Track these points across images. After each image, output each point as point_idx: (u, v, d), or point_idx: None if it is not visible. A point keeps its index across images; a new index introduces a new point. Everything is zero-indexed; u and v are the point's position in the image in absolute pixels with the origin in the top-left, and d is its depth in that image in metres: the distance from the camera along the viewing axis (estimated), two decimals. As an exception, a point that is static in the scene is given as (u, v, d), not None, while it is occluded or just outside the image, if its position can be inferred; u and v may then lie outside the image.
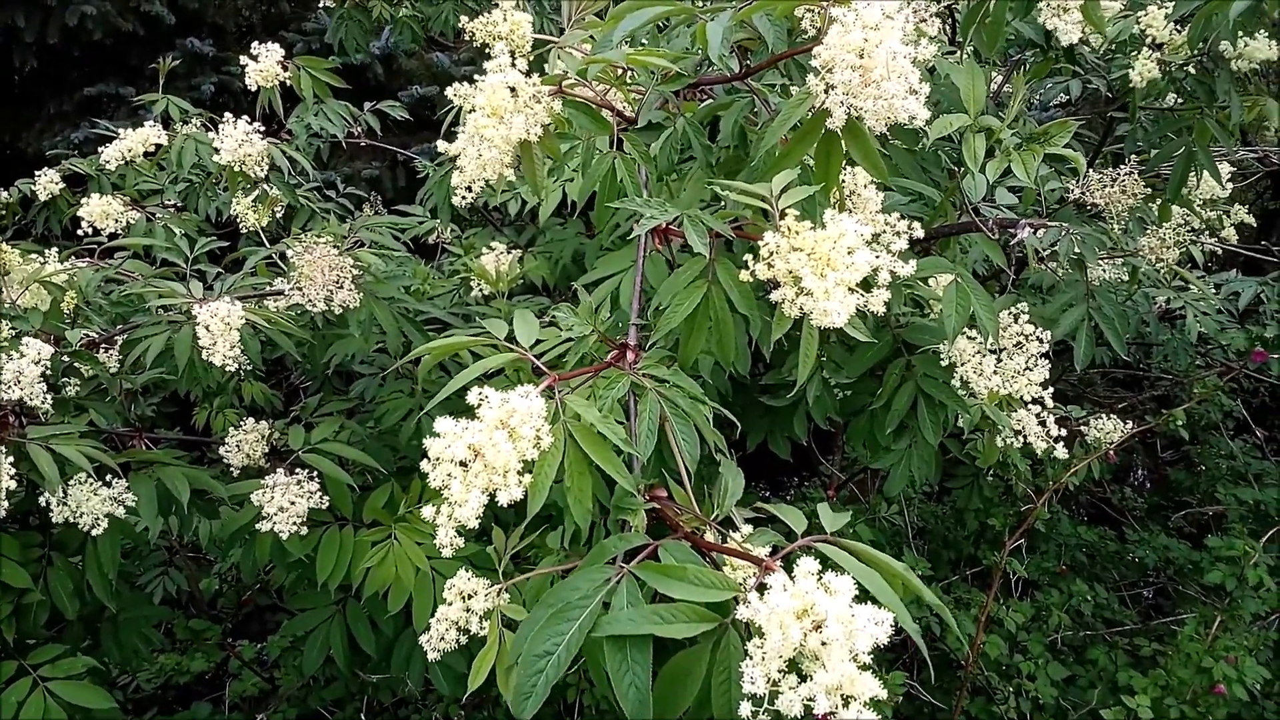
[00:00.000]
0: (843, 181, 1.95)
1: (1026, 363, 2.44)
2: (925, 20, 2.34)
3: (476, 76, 1.85)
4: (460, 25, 2.40)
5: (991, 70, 3.12)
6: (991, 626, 4.00)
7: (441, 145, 1.96)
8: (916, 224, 1.89)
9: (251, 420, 2.98)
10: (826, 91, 1.63)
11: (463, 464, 1.38)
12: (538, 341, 1.92)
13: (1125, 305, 3.25)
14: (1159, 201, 2.96)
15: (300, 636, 3.07)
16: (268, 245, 3.26)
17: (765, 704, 1.15)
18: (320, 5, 4.78)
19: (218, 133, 2.89)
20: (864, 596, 1.22)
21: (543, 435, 1.44)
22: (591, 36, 2.14)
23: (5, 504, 2.22)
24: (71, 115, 6.25)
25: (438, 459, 1.38)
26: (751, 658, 1.18)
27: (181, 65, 5.97)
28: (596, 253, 3.33)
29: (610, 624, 1.32)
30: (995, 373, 2.41)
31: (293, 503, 2.61)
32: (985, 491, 4.28)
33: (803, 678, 1.16)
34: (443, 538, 1.41)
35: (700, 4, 1.98)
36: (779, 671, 1.16)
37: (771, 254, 1.57)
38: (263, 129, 2.93)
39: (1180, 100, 2.92)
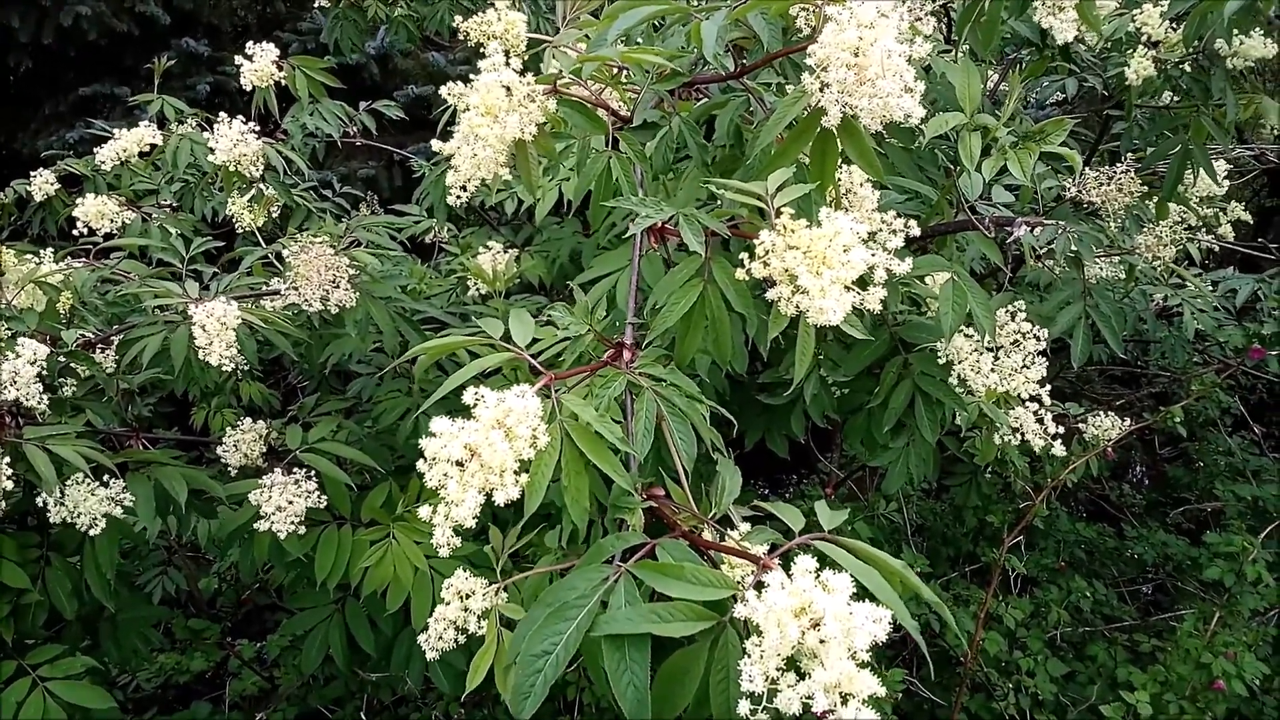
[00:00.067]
0: (839, 180, 1.95)
1: (1024, 360, 2.44)
2: (920, 19, 2.34)
3: (472, 76, 1.85)
4: (455, 25, 2.40)
5: (987, 69, 3.13)
6: (991, 623, 4.00)
7: (436, 144, 1.96)
8: (913, 222, 1.89)
9: (249, 420, 2.98)
10: (821, 90, 1.63)
11: (459, 464, 1.38)
12: (534, 341, 1.92)
13: (1122, 303, 3.26)
14: (1155, 199, 2.96)
15: (299, 635, 3.07)
16: (264, 245, 3.26)
17: (764, 702, 1.15)
18: (315, 5, 4.77)
19: (213, 133, 2.88)
20: (862, 594, 1.22)
21: (539, 434, 1.44)
22: (586, 36, 2.14)
23: (3, 504, 2.22)
24: (67, 116, 6.25)
25: (434, 459, 1.38)
26: (750, 656, 1.18)
27: (177, 65, 5.95)
28: (593, 252, 3.33)
29: (608, 623, 1.32)
30: (993, 370, 2.41)
31: (290, 502, 2.61)
32: (984, 489, 4.28)
33: (801, 676, 1.16)
34: (439, 537, 1.41)
35: (695, 3, 1.98)
36: (777, 670, 1.16)
37: (767, 252, 1.57)
38: (258, 129, 2.93)
39: (1176, 98, 2.93)
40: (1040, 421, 2.51)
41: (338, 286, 2.87)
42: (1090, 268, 2.96)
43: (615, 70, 2.12)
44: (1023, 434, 2.52)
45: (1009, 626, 4.01)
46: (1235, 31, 2.59)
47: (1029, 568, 4.48)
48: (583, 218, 3.89)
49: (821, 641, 1.15)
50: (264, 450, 2.96)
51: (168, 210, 3.53)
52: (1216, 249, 3.81)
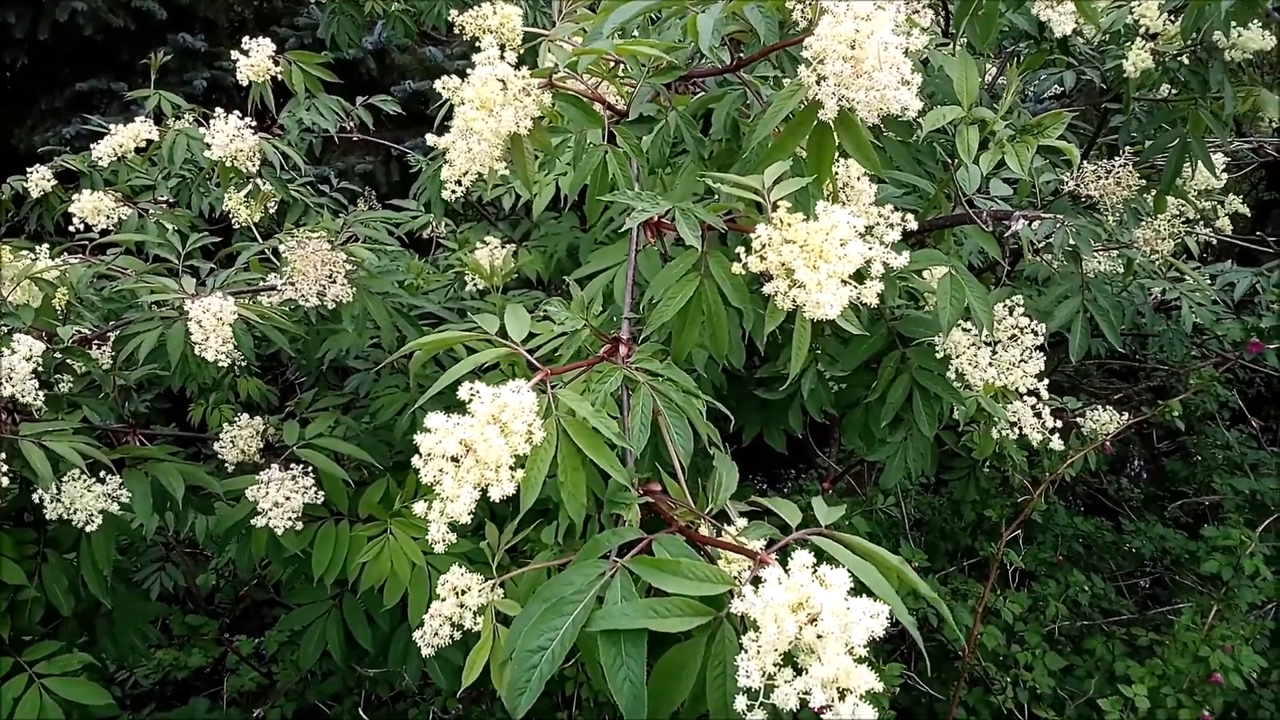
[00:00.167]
0: (836, 174, 1.95)
1: (1022, 355, 2.43)
2: (917, 11, 2.33)
3: (468, 70, 1.84)
4: (452, 19, 2.39)
5: (985, 62, 3.13)
6: (989, 617, 4.01)
7: (430, 139, 1.95)
8: (910, 216, 1.89)
9: (246, 416, 2.98)
10: (818, 83, 1.62)
11: (454, 459, 1.37)
12: (531, 336, 1.92)
13: (1120, 297, 3.25)
14: (1153, 193, 2.96)
15: (297, 631, 3.07)
16: (260, 240, 3.25)
17: (760, 698, 1.15)
18: (312, 0, 4.75)
19: (209, 128, 2.87)
20: (859, 589, 1.22)
21: (535, 430, 1.44)
22: (583, 29, 2.13)
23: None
24: (63, 111, 6.24)
25: (429, 454, 1.37)
26: (746, 651, 1.18)
27: (173, 61, 5.95)
28: (591, 247, 3.32)
29: (604, 619, 1.31)
30: (990, 365, 2.40)
31: (288, 498, 2.61)
32: (982, 483, 4.28)
33: (798, 671, 1.15)
34: (435, 534, 1.41)
35: (691, -4, 1.97)
36: (774, 665, 1.16)
37: (764, 246, 1.56)
38: (254, 124, 2.92)
39: (1174, 91, 2.92)
40: (1038, 416, 2.51)
41: (334, 282, 2.87)
42: (1088, 261, 2.95)
43: (611, 64, 2.12)
44: (1021, 428, 2.52)
45: (1007, 620, 4.02)
46: (1233, 24, 2.59)
47: (1027, 562, 4.48)
48: (580, 213, 3.88)
49: (819, 637, 1.14)
50: (261, 446, 2.96)
51: (164, 206, 3.52)
52: (1215, 242, 3.81)
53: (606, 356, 1.83)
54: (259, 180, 3.14)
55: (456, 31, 2.38)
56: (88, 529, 2.40)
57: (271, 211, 3.34)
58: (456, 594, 1.72)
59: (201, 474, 2.68)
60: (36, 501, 2.37)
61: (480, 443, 1.37)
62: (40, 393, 2.42)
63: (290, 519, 2.60)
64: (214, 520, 2.84)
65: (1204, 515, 5.08)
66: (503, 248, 3.51)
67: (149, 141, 3.26)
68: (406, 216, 4.00)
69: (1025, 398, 2.49)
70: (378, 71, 6.73)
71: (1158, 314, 3.95)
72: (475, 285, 3.52)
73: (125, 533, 2.72)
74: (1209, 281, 3.96)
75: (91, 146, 3.25)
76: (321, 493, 2.69)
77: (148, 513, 2.54)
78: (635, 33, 2.28)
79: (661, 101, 2.13)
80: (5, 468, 2.25)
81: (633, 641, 1.30)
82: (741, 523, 1.65)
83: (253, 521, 2.60)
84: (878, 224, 1.90)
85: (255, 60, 2.95)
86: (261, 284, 3.01)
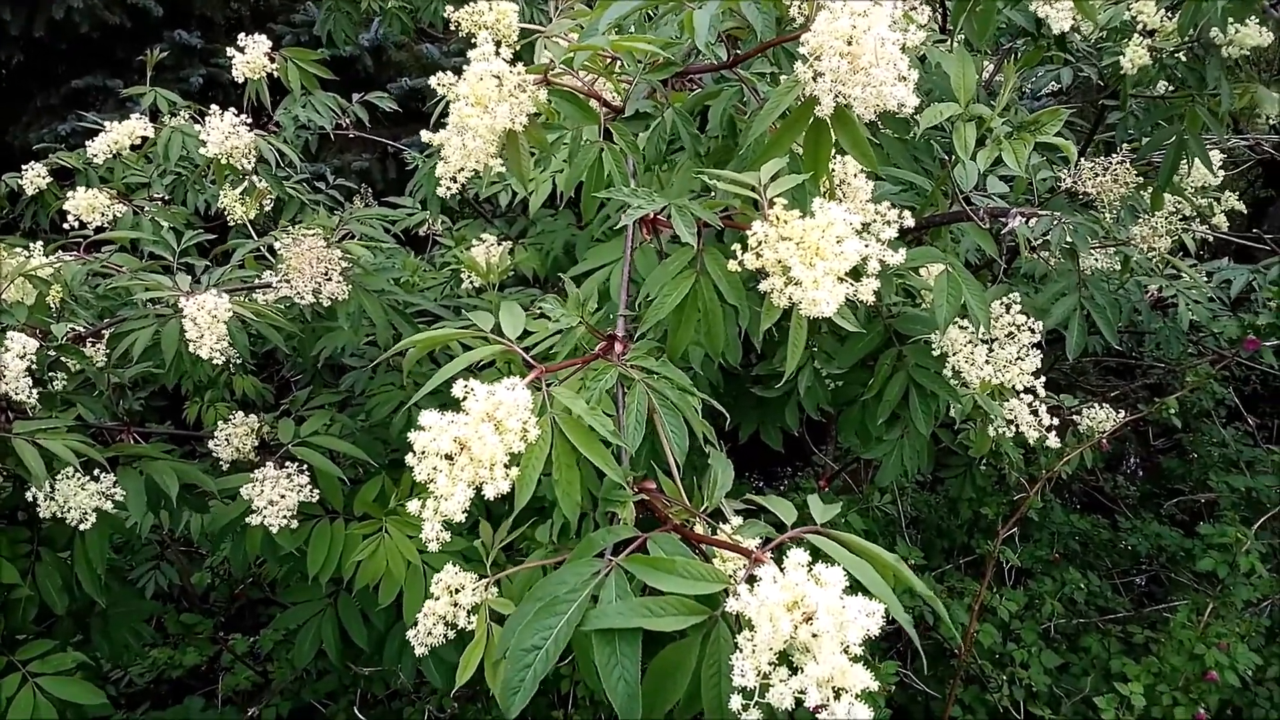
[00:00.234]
0: (833, 170, 1.94)
1: (1018, 352, 2.43)
2: (915, 7, 2.33)
3: (465, 67, 1.83)
4: (449, 16, 2.38)
5: (983, 59, 3.12)
6: (985, 615, 4.01)
7: (426, 135, 1.94)
8: (907, 213, 1.88)
9: (241, 414, 2.97)
10: (815, 79, 1.62)
11: (449, 457, 1.36)
12: (526, 334, 1.91)
13: (1117, 294, 3.25)
14: (1150, 190, 2.95)
15: (292, 630, 3.06)
16: (256, 238, 3.24)
17: (756, 697, 1.14)
18: (308, -4, 4.75)
19: (205, 125, 2.86)
20: (855, 588, 1.21)
21: (529, 427, 1.43)
22: (579, 25, 2.12)
23: (-8, 499, 2.21)
24: (59, 108, 6.22)
25: (423, 452, 1.37)
26: (742, 650, 1.17)
27: (169, 58, 5.92)
28: (587, 244, 3.31)
29: (598, 618, 1.31)
30: (987, 362, 2.40)
31: (283, 496, 2.60)
32: (978, 480, 4.27)
33: (794, 670, 1.15)
34: (428, 532, 1.40)
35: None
36: (769, 664, 1.15)
37: (760, 243, 1.55)
38: (250, 121, 2.91)
39: (1171, 88, 2.92)
40: (1035, 413, 2.51)
41: (330, 279, 2.86)
42: (1085, 259, 2.95)
43: (608, 60, 2.11)
44: (1017, 426, 2.51)
45: (1003, 618, 4.02)
46: (1230, 20, 2.58)
47: (1023, 559, 4.48)
48: (577, 210, 3.87)
49: (814, 636, 1.14)
50: (256, 444, 2.95)
51: (159, 203, 3.51)
52: (1211, 240, 3.81)
53: (602, 354, 1.83)
54: (254, 177, 3.13)
55: (453, 28, 2.37)
56: (82, 527, 2.39)
57: (267, 209, 3.33)
58: (450, 592, 1.71)
59: (196, 472, 2.67)
60: (30, 500, 2.36)
61: (475, 440, 1.37)
62: (34, 390, 2.41)
63: (285, 517, 2.59)
64: (209, 519, 2.83)
65: (1200, 513, 5.08)
66: (499, 245, 3.50)
67: (144, 138, 3.25)
68: (403, 214, 4.00)
69: (1022, 395, 2.48)
70: (374, 68, 6.72)
71: (1154, 311, 3.95)
72: (472, 283, 3.51)
73: (119, 531, 2.71)
74: (1206, 279, 3.96)
75: (87, 143, 3.24)
76: (317, 491, 2.68)
77: (142, 511, 2.54)
78: (632, 29, 2.27)
79: (658, 98, 2.13)
80: (-1, 466, 2.24)
81: (627, 641, 1.29)
82: (737, 521, 1.64)
83: (248, 520, 2.59)
84: (874, 221, 1.89)
85: (251, 57, 2.94)
86: (257, 281, 3.00)
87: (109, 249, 3.15)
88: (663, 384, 1.72)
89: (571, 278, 2.32)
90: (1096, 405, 3.76)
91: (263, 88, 3.00)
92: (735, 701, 1.15)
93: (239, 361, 2.83)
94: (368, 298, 2.94)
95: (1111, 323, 2.74)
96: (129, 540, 4.10)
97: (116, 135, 3.21)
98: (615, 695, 1.27)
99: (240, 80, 2.96)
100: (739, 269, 1.61)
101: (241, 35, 2.95)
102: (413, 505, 1.40)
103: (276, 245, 2.94)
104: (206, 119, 2.87)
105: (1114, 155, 3.00)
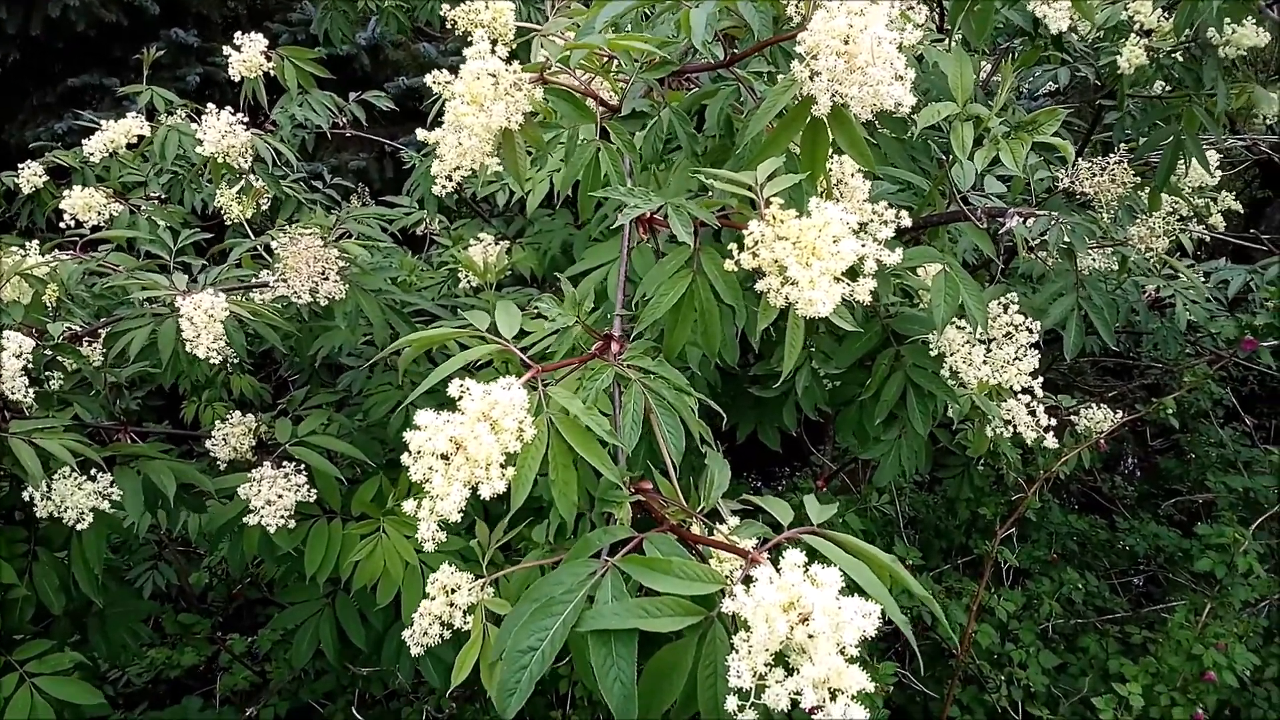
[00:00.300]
0: (830, 170, 1.94)
1: (1016, 352, 2.42)
2: (912, 6, 2.33)
3: (462, 66, 1.82)
4: (445, 14, 2.38)
5: (980, 58, 3.12)
6: (983, 615, 4.01)
7: (421, 134, 1.94)
8: (904, 213, 1.88)
9: (238, 413, 2.97)
10: (811, 78, 1.61)
11: (444, 457, 1.36)
12: (524, 333, 1.91)
13: (1115, 294, 3.25)
14: (1148, 190, 2.95)
15: (290, 630, 3.06)
16: (253, 237, 3.23)
17: (752, 698, 1.14)
18: (306, -5, 4.74)
19: (202, 124, 2.86)
20: (851, 589, 1.21)
21: (525, 427, 1.42)
22: (576, 24, 2.12)
23: (-12, 499, 2.21)
24: (55, 107, 6.21)
25: (419, 452, 1.36)
26: (738, 651, 1.17)
27: (166, 56, 5.93)
28: (585, 244, 3.31)
29: (594, 618, 1.30)
30: (985, 362, 2.39)
31: (280, 496, 2.60)
32: (976, 481, 4.28)
33: (790, 671, 1.14)
34: (424, 532, 1.40)
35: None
36: (765, 665, 1.15)
37: (756, 243, 1.55)
38: (247, 120, 2.91)
39: (1168, 88, 2.92)
40: (1032, 413, 2.50)
41: (327, 279, 2.85)
42: (1083, 259, 2.95)
43: (605, 59, 2.11)
44: (1015, 426, 2.51)
45: (1001, 619, 4.02)
46: (1227, 20, 2.58)
47: (1021, 560, 4.48)
48: (574, 209, 3.86)
49: (810, 637, 1.14)
50: (253, 444, 2.95)
51: (156, 202, 3.50)
52: (1208, 240, 3.81)
53: (599, 354, 1.82)
54: (251, 176, 3.13)
55: (450, 27, 2.37)
56: (79, 527, 2.39)
57: (264, 208, 3.32)
58: (446, 593, 1.71)
59: (193, 472, 2.67)
60: (27, 499, 2.36)
61: (470, 440, 1.36)
62: (30, 390, 2.41)
63: (283, 517, 2.59)
64: (206, 518, 2.83)
65: (1198, 513, 5.09)
66: (496, 244, 3.50)
67: (141, 137, 3.24)
68: (400, 213, 3.99)
69: (1019, 395, 2.48)
70: (371, 67, 6.71)
71: (1152, 311, 3.95)
72: (469, 282, 3.51)
73: (117, 531, 2.71)
74: (1203, 279, 3.96)
75: (83, 142, 3.23)
76: (314, 491, 2.68)
77: (139, 511, 2.53)
78: (628, 27, 2.27)
79: (655, 97, 2.12)
80: (-6, 465, 2.24)
81: (623, 641, 1.29)
82: (734, 521, 1.64)
83: (245, 519, 2.59)
84: (871, 221, 1.89)
85: (248, 56, 2.93)
86: (254, 281, 3.00)
87: (105, 248, 3.15)
88: (659, 384, 1.72)
89: (568, 277, 2.32)
90: (1094, 405, 3.75)
91: (259, 86, 3.00)
92: (731, 702, 1.14)
93: (236, 361, 2.83)
94: (365, 297, 2.94)
95: (1109, 323, 2.73)
96: (126, 540, 4.09)
97: (113, 134, 3.21)
98: (611, 696, 1.26)
99: (237, 79, 2.95)
100: (735, 269, 1.61)
101: (238, 34, 2.94)
102: (408, 505, 1.39)
103: (273, 244, 2.93)
104: (203, 118, 2.86)
105: (1111, 155, 3.00)
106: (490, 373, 2.22)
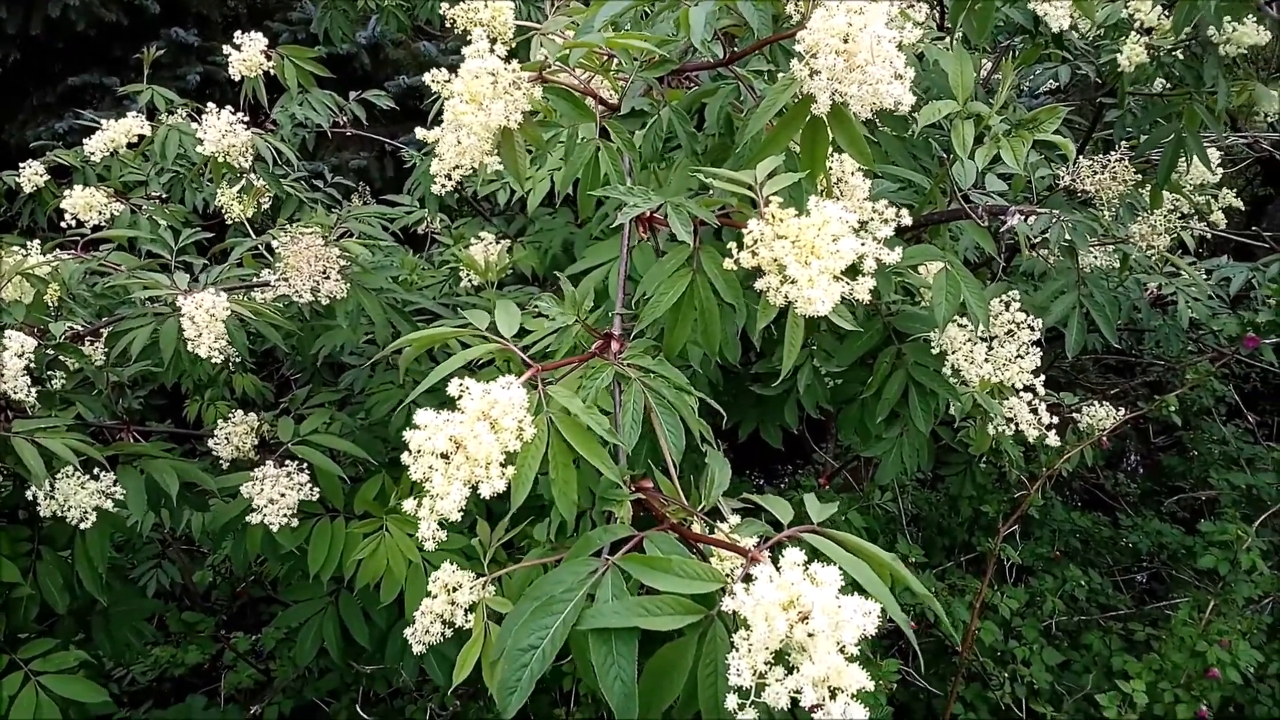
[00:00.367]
0: (830, 169, 1.94)
1: (1018, 350, 2.42)
2: (911, 5, 2.32)
3: (461, 65, 1.83)
4: (444, 13, 2.38)
5: (980, 56, 3.12)
6: (986, 612, 4.01)
7: (420, 133, 1.94)
8: (904, 211, 1.88)
9: (240, 412, 2.97)
10: (811, 76, 1.61)
11: (444, 456, 1.36)
12: (524, 332, 1.91)
13: (1116, 292, 3.25)
14: (1149, 187, 2.95)
15: (294, 628, 3.06)
16: (254, 236, 3.24)
17: (751, 696, 1.14)
18: (306, -6, 4.74)
19: (202, 123, 2.86)
20: (852, 587, 1.21)
21: (525, 426, 1.43)
22: (575, 23, 2.12)
23: (-9, 498, 2.21)
24: (55, 106, 6.22)
25: (419, 451, 1.37)
26: (738, 650, 1.17)
27: (166, 55, 5.94)
28: (586, 242, 3.31)
29: (595, 617, 1.31)
30: (986, 360, 2.40)
31: (283, 495, 2.60)
32: (978, 478, 4.28)
33: (790, 670, 1.14)
34: (425, 531, 1.40)
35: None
36: (765, 664, 1.15)
37: (756, 241, 1.55)
38: (247, 119, 2.91)
39: (1169, 86, 2.92)
40: (1034, 411, 2.50)
41: (328, 278, 2.85)
42: (1084, 256, 2.95)
43: (604, 58, 2.11)
44: (1017, 424, 2.51)
45: (1004, 616, 4.02)
46: (1227, 18, 2.58)
47: (1024, 557, 4.48)
48: (575, 208, 3.86)
49: (810, 635, 1.14)
50: (256, 443, 2.95)
51: (157, 201, 3.50)
52: (1210, 237, 3.81)
53: (599, 353, 1.82)
54: (252, 175, 3.13)
55: (449, 26, 2.37)
56: (82, 526, 2.39)
57: (265, 207, 3.33)
58: (448, 591, 1.71)
59: (196, 471, 2.67)
60: (30, 499, 2.36)
61: (470, 439, 1.37)
62: (33, 389, 2.41)
63: (285, 516, 2.59)
64: (209, 517, 2.83)
65: (1201, 510, 5.08)
66: (497, 243, 3.50)
67: (141, 137, 3.24)
68: (401, 212, 3.99)
69: (1021, 393, 2.48)
70: (371, 67, 6.71)
71: (1154, 309, 3.95)
72: (470, 281, 3.51)
73: (120, 530, 2.71)
74: (1205, 276, 3.96)
75: (84, 141, 3.23)
76: (317, 489, 2.68)
77: (142, 509, 2.54)
78: (628, 26, 2.26)
79: (654, 96, 2.12)
80: (-2, 465, 2.24)
81: (624, 640, 1.29)
82: (734, 520, 1.64)
83: (248, 518, 2.59)
84: (872, 219, 1.89)
85: (248, 55, 2.93)
86: (255, 280, 3.00)
87: (107, 247, 3.15)
88: (659, 383, 1.72)
89: (569, 276, 2.31)
90: (1096, 403, 3.75)
91: (259, 85, 3.00)
92: (731, 701, 1.15)
93: (238, 360, 2.83)
94: (366, 296, 2.94)
95: (1111, 320, 2.73)
96: (130, 539, 4.11)
97: (114, 133, 3.21)
98: (611, 695, 1.27)
99: (237, 78, 2.95)
100: (735, 267, 1.61)
101: (238, 33, 2.94)
102: (409, 504, 1.40)
103: (274, 244, 2.93)
104: (203, 117, 2.86)
105: (1112, 153, 3.00)
106: (491, 371, 2.22)
